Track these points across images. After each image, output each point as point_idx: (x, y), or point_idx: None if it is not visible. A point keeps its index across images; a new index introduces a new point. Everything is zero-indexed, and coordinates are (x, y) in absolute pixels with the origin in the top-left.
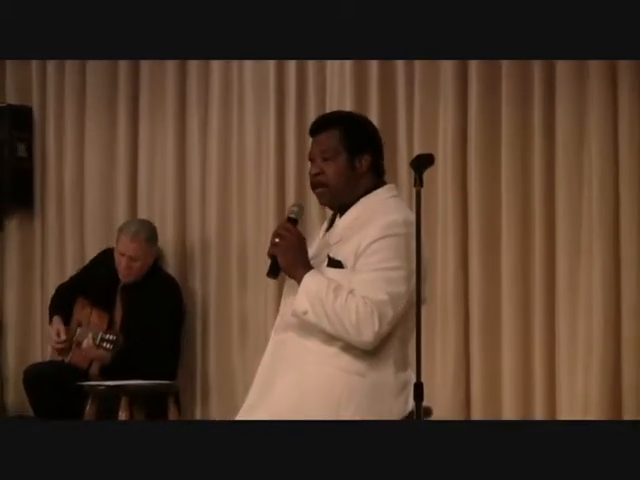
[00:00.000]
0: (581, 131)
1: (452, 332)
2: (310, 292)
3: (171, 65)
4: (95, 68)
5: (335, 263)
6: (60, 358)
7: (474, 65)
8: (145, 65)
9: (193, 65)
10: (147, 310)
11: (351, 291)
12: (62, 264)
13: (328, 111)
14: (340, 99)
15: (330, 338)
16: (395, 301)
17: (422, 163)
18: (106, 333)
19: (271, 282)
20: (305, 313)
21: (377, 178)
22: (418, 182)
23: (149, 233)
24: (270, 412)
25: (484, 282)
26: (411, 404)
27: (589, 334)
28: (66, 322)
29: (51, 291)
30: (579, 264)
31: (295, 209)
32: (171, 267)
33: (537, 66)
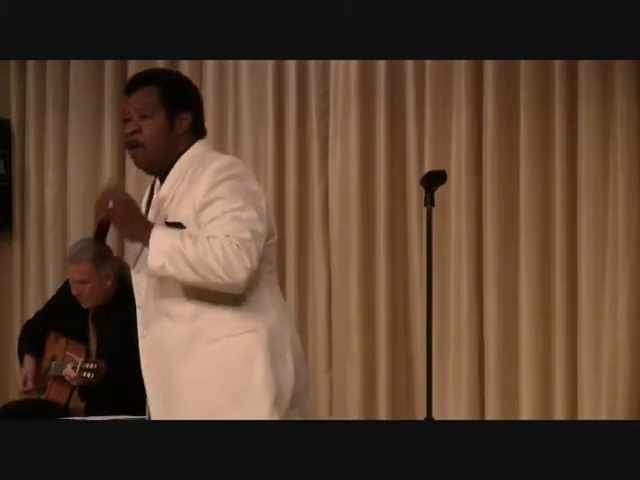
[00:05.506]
0: (605, 143)
1: (466, 362)
2: (164, 245)
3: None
4: (78, 75)
5: (175, 226)
6: (35, 396)
7: (490, 70)
8: (133, 70)
9: (184, 66)
10: (118, 336)
11: (210, 235)
12: (43, 290)
13: (332, 116)
14: (344, 105)
15: (202, 312)
16: (256, 239)
17: (434, 180)
18: (85, 362)
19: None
20: (162, 267)
21: (195, 137)
22: (429, 201)
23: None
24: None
25: (500, 307)
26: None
27: (614, 368)
28: (38, 360)
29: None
30: (604, 286)
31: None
32: None
33: (558, 69)
